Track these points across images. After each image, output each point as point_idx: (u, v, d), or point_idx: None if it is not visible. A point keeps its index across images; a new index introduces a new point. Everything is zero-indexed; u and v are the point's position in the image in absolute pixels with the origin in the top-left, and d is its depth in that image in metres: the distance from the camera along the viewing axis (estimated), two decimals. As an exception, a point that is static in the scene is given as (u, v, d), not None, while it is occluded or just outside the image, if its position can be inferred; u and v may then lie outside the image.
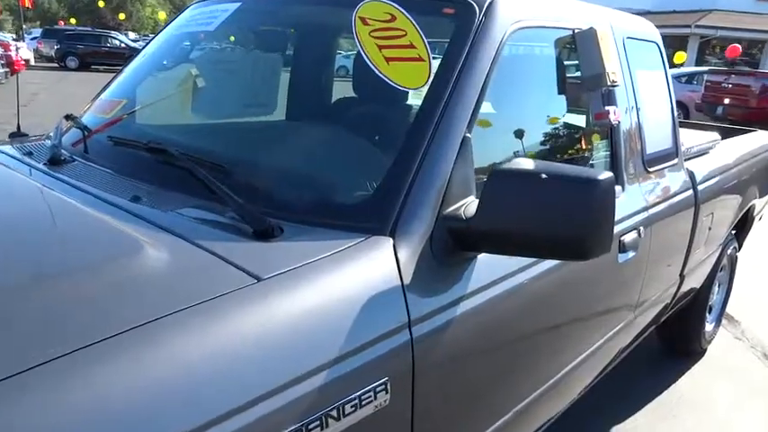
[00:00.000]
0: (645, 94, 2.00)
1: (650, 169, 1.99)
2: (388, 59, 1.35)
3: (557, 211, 1.07)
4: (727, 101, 11.02)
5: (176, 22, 1.97)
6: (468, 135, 1.23)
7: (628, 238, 1.75)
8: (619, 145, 1.80)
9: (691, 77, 13.57)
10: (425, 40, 1.33)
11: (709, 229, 2.54)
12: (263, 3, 1.80)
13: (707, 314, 3.20)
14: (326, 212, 1.16)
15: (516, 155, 1.48)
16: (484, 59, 1.32)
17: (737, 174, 2.82)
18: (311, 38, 1.88)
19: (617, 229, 1.70)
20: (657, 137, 2.10)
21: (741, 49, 17.05)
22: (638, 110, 1.92)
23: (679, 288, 2.44)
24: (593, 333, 1.75)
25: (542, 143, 1.61)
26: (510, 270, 1.29)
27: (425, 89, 1.27)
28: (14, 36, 31.17)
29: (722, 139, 3.29)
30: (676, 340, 3.13)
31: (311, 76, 2.00)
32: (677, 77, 13.73)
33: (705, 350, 3.27)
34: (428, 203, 1.15)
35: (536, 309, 1.41)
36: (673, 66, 17.15)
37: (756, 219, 3.55)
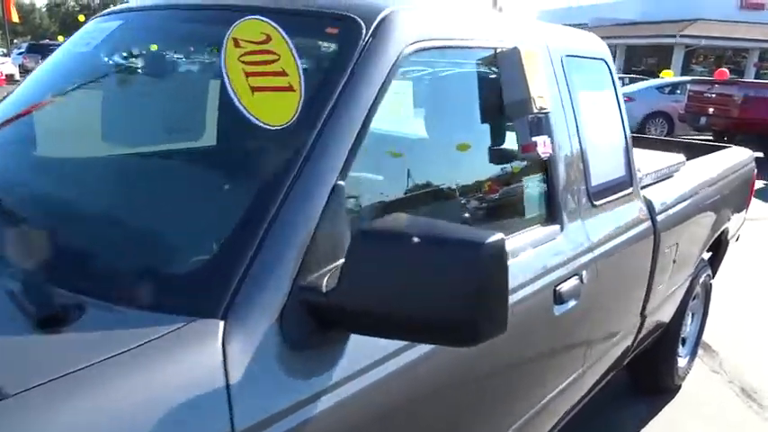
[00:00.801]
0: (590, 119, 1.78)
1: (597, 203, 1.76)
2: (253, 89, 1.11)
3: (432, 284, 0.83)
4: (710, 111, 10.88)
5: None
6: (340, 183, 1.00)
7: (566, 286, 1.52)
8: (556, 179, 1.57)
9: (674, 87, 13.45)
10: (300, 67, 1.10)
11: (674, 261, 2.32)
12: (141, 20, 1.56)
13: (680, 347, 2.97)
14: (142, 287, 0.92)
15: (418, 201, 1.24)
16: (369, 88, 1.09)
17: (705, 198, 2.60)
18: (163, 64, 1.62)
19: (552, 277, 1.47)
20: (607, 165, 1.87)
21: (728, 73, 16.92)
22: (580, 137, 1.70)
23: (641, 328, 2.21)
24: (526, 400, 1.51)
25: (456, 184, 1.37)
26: (401, 344, 1.05)
27: (291, 126, 1.04)
28: (4, 51, 30.86)
29: (696, 156, 3.08)
30: (646, 378, 2.90)
31: (158, 105, 1.60)
32: (660, 88, 13.62)
33: (679, 387, 3.04)
34: (280, 271, 0.91)
35: (444, 386, 1.17)
36: (658, 73, 17.06)
37: (732, 241, 3.33)
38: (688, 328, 3.08)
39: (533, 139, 1.41)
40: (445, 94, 1.40)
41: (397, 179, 1.22)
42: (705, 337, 3.43)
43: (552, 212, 1.58)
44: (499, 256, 0.85)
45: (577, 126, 1.69)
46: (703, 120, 11.08)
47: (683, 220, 2.34)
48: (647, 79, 15.58)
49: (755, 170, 3.45)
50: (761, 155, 10.62)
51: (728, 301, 3.99)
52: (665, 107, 12.99)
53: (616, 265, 1.82)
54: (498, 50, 1.40)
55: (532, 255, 1.44)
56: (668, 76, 18.12)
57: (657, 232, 2.08)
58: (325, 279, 0.93)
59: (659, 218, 2.11)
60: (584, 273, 1.60)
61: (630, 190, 1.97)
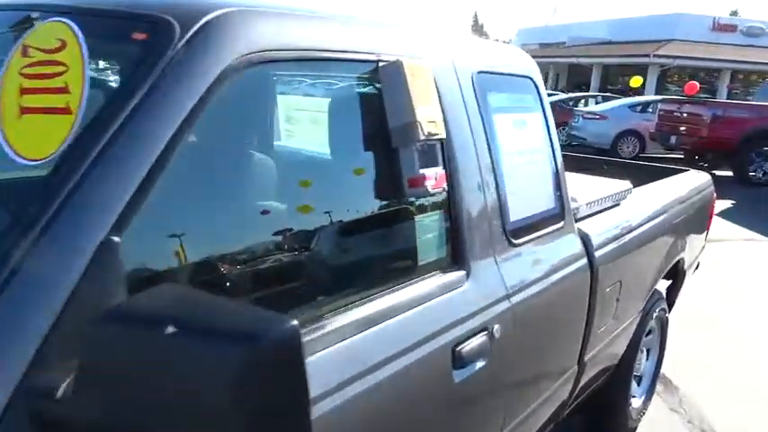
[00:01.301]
0: (509, 145, 1.55)
1: (517, 241, 1.52)
2: (23, 110, 0.86)
3: (189, 396, 0.58)
4: (680, 130, 10.86)
5: None
6: (114, 239, 0.74)
7: (469, 345, 1.27)
8: (460, 216, 1.33)
9: (645, 106, 13.47)
10: (86, 83, 0.85)
11: (618, 300, 2.10)
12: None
13: (634, 387, 2.75)
14: None
15: (252, 257, 0.99)
16: (174, 112, 0.84)
17: (655, 228, 2.39)
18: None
19: (448, 337, 1.23)
20: (531, 197, 1.65)
21: (698, 86, 17.10)
22: (494, 166, 1.46)
23: (580, 377, 1.98)
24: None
25: (321, 228, 1.12)
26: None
27: (53, 160, 0.79)
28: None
29: (651, 179, 2.89)
30: (597, 421, 2.66)
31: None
32: (632, 106, 13.63)
33: (634, 429, 2.81)
34: None
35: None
36: (630, 91, 17.15)
37: (689, 272, 3.13)
38: (642, 365, 2.86)
39: (421, 171, 1.17)
40: (305, 119, 1.15)
41: (224, 228, 0.97)
42: (665, 370, 3.21)
43: (456, 256, 1.33)
44: (289, 352, 0.60)
45: (491, 153, 1.46)
46: (673, 139, 11.06)
47: (628, 253, 2.12)
48: (619, 98, 15.62)
49: (714, 194, 3.26)
50: (730, 174, 10.62)
51: (691, 328, 3.79)
52: (637, 126, 12.98)
53: (541, 312, 1.58)
54: (380, 64, 1.16)
55: (424, 310, 1.19)
56: (637, 84, 18.23)
57: (595, 270, 1.86)
58: (67, 381, 0.67)
59: (598, 253, 1.89)
60: (495, 326, 1.35)
61: (561, 224, 1.75)
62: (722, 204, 7.98)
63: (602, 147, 13.17)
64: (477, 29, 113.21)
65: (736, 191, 9.27)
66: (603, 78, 33.71)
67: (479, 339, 1.30)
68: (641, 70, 29.93)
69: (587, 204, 1.98)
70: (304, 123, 1.13)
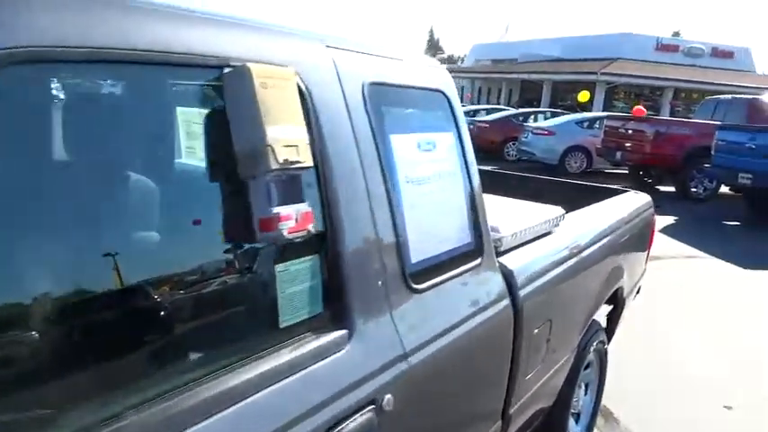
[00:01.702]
0: (411, 171, 1.31)
1: (420, 287, 1.27)
2: None
3: None
4: (625, 146, 11.00)
5: None
6: None
7: (350, 425, 1.01)
8: (341, 262, 1.07)
9: (592, 122, 13.65)
10: None
11: (548, 340, 1.88)
12: None
13: (572, 425, 2.54)
14: None
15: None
16: None
17: (593, 256, 2.20)
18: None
19: (317, 420, 0.96)
20: (439, 232, 1.40)
21: (645, 111, 17.49)
22: (390, 198, 1.21)
23: (506, 429, 1.74)
24: None
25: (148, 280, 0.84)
26: None
27: None
28: None
29: (589, 201, 2.71)
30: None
31: None
32: (579, 122, 13.80)
33: (572, 471, 2.60)
34: None
35: None
36: (579, 105, 17.42)
37: (630, 299, 2.97)
38: (581, 401, 2.66)
39: (275, 210, 0.90)
40: (106, 140, 0.85)
41: None
42: (605, 402, 3.03)
43: (335, 312, 1.07)
44: None
45: (386, 182, 1.20)
46: (619, 154, 11.18)
47: (560, 288, 1.91)
48: (567, 113, 15.83)
49: (654, 216, 3.12)
50: (672, 189, 10.79)
51: (632, 355, 3.64)
52: (584, 141, 13.13)
53: (451, 369, 1.33)
54: (225, 71, 0.90)
55: (286, 387, 0.92)
56: (585, 99, 18.59)
57: (520, 310, 1.63)
58: None
59: (524, 291, 1.66)
60: (386, 397, 1.09)
61: (479, 261, 1.51)
62: (664, 220, 8.03)
63: (551, 162, 13.26)
64: (433, 44, 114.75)
65: (678, 207, 9.39)
66: (554, 95, 34.45)
67: (364, 416, 1.04)
68: (589, 87, 30.68)
69: (512, 235, 1.76)
70: (110, 146, 0.83)
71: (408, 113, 1.37)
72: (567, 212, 2.35)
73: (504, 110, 18.96)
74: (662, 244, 5.87)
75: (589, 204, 2.71)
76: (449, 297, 1.37)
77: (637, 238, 2.82)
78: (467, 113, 17.93)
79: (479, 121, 15.98)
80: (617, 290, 2.61)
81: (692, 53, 35.45)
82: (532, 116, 16.33)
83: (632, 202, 2.93)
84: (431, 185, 1.38)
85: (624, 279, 2.65)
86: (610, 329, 2.89)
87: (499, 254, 1.67)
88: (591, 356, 2.54)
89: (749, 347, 4.02)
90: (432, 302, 1.30)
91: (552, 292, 1.85)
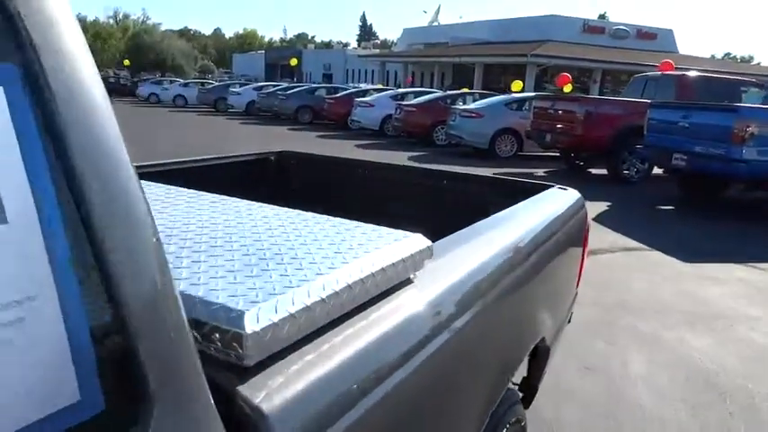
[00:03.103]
0: None
1: None
2: None
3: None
4: (555, 128, 10.37)
5: None
6: None
7: None
8: None
9: (521, 104, 13.01)
10: None
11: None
12: None
13: None
14: None
15: None
16: None
17: (490, 309, 1.27)
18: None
19: None
20: None
21: (570, 77, 17.19)
22: None
23: None
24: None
25: None
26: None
27: None
28: None
29: (507, 203, 1.79)
30: None
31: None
32: (508, 104, 13.14)
33: None
34: None
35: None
36: (512, 94, 16.84)
37: (557, 343, 2.08)
38: None
39: None
40: None
41: None
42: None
43: None
44: None
45: None
46: (549, 137, 10.55)
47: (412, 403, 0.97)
48: (495, 95, 15.18)
49: (588, 222, 2.25)
50: (604, 172, 10.26)
51: (564, 396, 2.79)
52: (513, 124, 12.48)
53: None
54: None
55: None
56: (518, 88, 18.04)
57: None
58: None
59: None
60: None
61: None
62: (597, 207, 7.38)
63: (481, 146, 12.55)
64: (366, 30, 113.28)
65: (610, 191, 8.81)
66: (486, 78, 34.15)
67: None
68: (520, 69, 30.53)
69: (294, 314, 0.79)
70: None
71: None
72: (467, 224, 1.42)
73: (431, 92, 18.18)
74: (595, 236, 5.11)
75: (497, 210, 1.80)
76: None
77: (565, 256, 1.93)
78: (394, 97, 17.04)
79: (406, 105, 15.10)
80: (538, 343, 1.71)
81: (618, 35, 35.96)
82: (460, 98, 15.59)
83: (557, 202, 2.03)
84: None
85: (548, 325, 1.75)
86: (531, 387, 1.99)
87: (241, 375, 0.70)
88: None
89: (704, 374, 3.26)
90: None
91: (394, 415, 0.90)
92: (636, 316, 3.97)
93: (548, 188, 2.23)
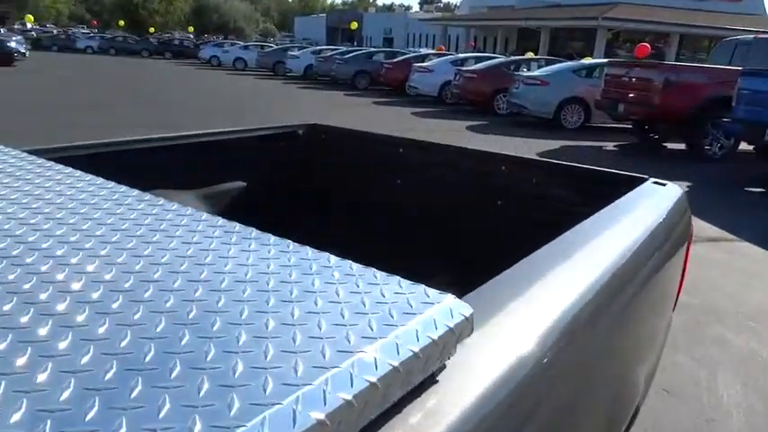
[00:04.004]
0: None
1: None
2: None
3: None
4: (628, 97, 9.48)
5: None
6: None
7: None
8: None
9: (590, 71, 12.03)
10: None
11: None
12: None
13: None
14: None
15: None
16: None
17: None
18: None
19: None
20: None
21: (650, 48, 15.78)
22: None
23: None
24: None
25: None
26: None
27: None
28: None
29: (582, 208, 1.32)
30: None
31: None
32: (576, 71, 12.20)
33: None
34: None
35: None
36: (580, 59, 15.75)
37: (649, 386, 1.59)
38: None
39: None
40: None
41: None
42: None
43: None
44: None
45: None
46: (621, 107, 9.66)
47: None
48: (562, 61, 14.19)
49: (692, 227, 1.72)
50: (682, 147, 9.35)
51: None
52: (582, 92, 11.57)
53: None
54: None
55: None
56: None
57: None
58: None
59: None
60: None
61: None
62: (676, 188, 6.61)
63: (545, 116, 11.75)
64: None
65: (690, 168, 7.97)
66: (552, 42, 32.48)
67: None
68: (590, 34, 28.78)
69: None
70: None
71: None
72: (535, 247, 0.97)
73: (492, 57, 17.25)
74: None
75: (570, 213, 1.32)
76: None
77: (663, 282, 1.42)
78: (454, 62, 16.26)
79: (466, 71, 14.34)
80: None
81: (700, -4, 33.26)
82: (525, 64, 14.67)
83: (656, 205, 1.51)
84: None
85: (640, 386, 1.28)
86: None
87: None
88: None
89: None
90: None
91: None
92: (726, 324, 3.38)
93: (640, 182, 1.70)
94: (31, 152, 1.38)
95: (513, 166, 2.03)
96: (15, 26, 46.23)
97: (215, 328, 0.54)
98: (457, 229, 2.15)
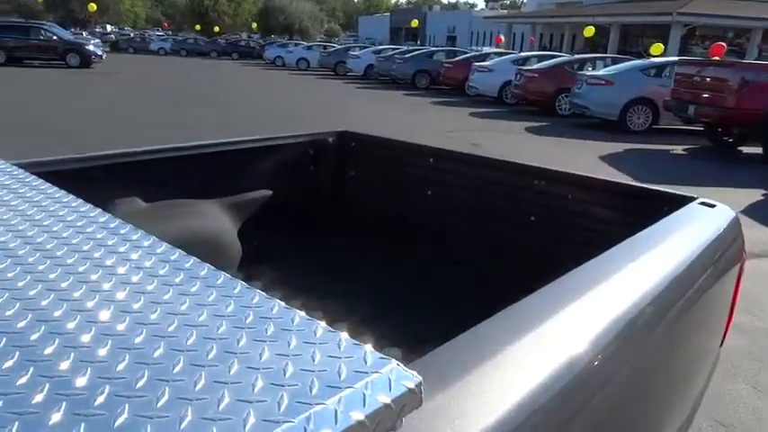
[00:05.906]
0: None
1: None
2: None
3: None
4: (700, 98, 8.92)
5: None
6: None
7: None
8: None
9: (660, 70, 11.42)
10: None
11: None
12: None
13: None
14: None
15: None
16: None
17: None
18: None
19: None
20: None
21: (725, 47, 14.73)
22: None
23: None
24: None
25: None
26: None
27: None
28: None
29: (614, 234, 1.20)
30: None
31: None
32: (644, 69, 11.62)
33: None
34: None
35: None
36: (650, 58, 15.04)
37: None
38: None
39: None
40: None
41: None
42: None
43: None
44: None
45: None
46: (692, 109, 9.12)
47: None
48: (630, 59, 13.56)
49: (744, 254, 1.53)
50: (758, 151, 8.72)
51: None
52: (649, 93, 11.00)
53: None
54: None
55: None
56: (658, 52, 16.06)
57: None
58: None
59: None
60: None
61: None
62: (749, 195, 6.18)
63: (609, 118, 11.26)
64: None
65: (765, 176, 7.41)
66: (623, 39, 31.21)
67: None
68: (663, 31, 27.45)
69: None
70: None
71: None
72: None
73: (556, 55, 16.71)
74: (750, 234, 4.18)
75: (602, 236, 1.19)
76: None
77: (706, 314, 1.27)
78: (515, 62, 15.86)
79: (527, 71, 13.95)
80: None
81: (787, -12, 31.03)
82: (590, 63, 14.12)
83: (701, 233, 1.35)
84: None
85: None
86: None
87: None
88: None
89: None
90: None
91: None
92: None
93: (686, 202, 1.54)
94: (44, 163, 1.37)
95: (549, 180, 1.89)
96: (97, 29, 48.83)
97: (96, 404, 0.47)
98: (489, 243, 2.04)
